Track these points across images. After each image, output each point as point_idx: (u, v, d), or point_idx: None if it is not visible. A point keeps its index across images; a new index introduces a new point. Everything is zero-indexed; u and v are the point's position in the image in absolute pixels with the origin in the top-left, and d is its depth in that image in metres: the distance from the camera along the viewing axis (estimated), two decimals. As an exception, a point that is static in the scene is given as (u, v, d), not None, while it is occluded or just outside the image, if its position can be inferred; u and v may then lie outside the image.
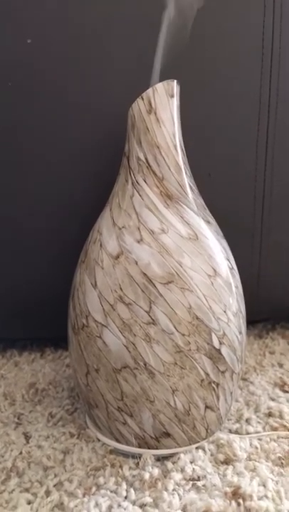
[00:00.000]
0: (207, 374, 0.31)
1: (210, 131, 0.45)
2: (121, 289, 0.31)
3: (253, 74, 0.44)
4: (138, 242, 0.31)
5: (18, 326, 0.49)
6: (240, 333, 0.33)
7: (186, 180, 0.33)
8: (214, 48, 0.43)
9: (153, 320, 0.30)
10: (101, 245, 0.33)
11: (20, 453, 0.34)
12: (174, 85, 0.33)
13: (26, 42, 0.39)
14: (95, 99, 0.41)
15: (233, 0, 0.42)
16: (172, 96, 0.33)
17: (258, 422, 0.37)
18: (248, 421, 0.37)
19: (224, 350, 0.31)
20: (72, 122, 0.42)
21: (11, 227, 0.44)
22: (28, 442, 0.35)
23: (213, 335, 0.31)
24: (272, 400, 0.41)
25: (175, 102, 0.33)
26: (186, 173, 0.33)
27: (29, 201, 0.43)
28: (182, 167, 0.33)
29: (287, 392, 0.42)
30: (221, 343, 0.31)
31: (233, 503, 0.28)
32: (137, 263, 0.31)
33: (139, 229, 0.31)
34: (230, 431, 0.36)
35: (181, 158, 0.33)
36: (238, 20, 0.42)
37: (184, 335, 0.30)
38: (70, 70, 0.41)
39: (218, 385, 0.32)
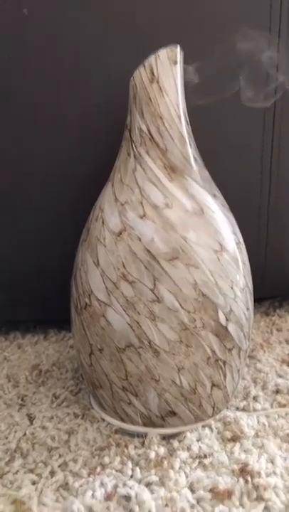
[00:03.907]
0: (213, 352, 0.30)
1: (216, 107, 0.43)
2: (124, 266, 0.30)
3: (261, 49, 0.42)
4: (141, 217, 0.30)
5: (20, 308, 0.49)
6: (248, 309, 0.32)
7: (191, 151, 0.32)
8: (221, 17, 0.41)
9: (157, 297, 0.29)
10: (103, 222, 0.31)
11: (24, 434, 0.33)
12: (178, 51, 0.31)
13: (23, 12, 0.37)
14: (95, 69, 0.40)
15: None
16: (175, 62, 0.31)
17: (266, 399, 0.37)
18: (255, 398, 0.37)
19: (231, 327, 0.30)
20: (70, 94, 0.40)
21: (10, 208, 0.43)
22: (32, 423, 0.35)
23: (219, 311, 0.30)
24: (280, 376, 0.40)
25: (178, 69, 0.31)
26: (190, 144, 0.32)
27: (27, 180, 0.42)
28: (186, 138, 0.32)
29: (294, 369, 0.42)
30: (227, 320, 0.30)
31: (241, 480, 0.28)
32: (140, 239, 0.30)
33: (142, 204, 0.30)
34: (237, 408, 0.36)
35: (185, 128, 0.32)
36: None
37: (189, 312, 0.29)
38: (67, 38, 0.39)
39: (224, 362, 0.31)
